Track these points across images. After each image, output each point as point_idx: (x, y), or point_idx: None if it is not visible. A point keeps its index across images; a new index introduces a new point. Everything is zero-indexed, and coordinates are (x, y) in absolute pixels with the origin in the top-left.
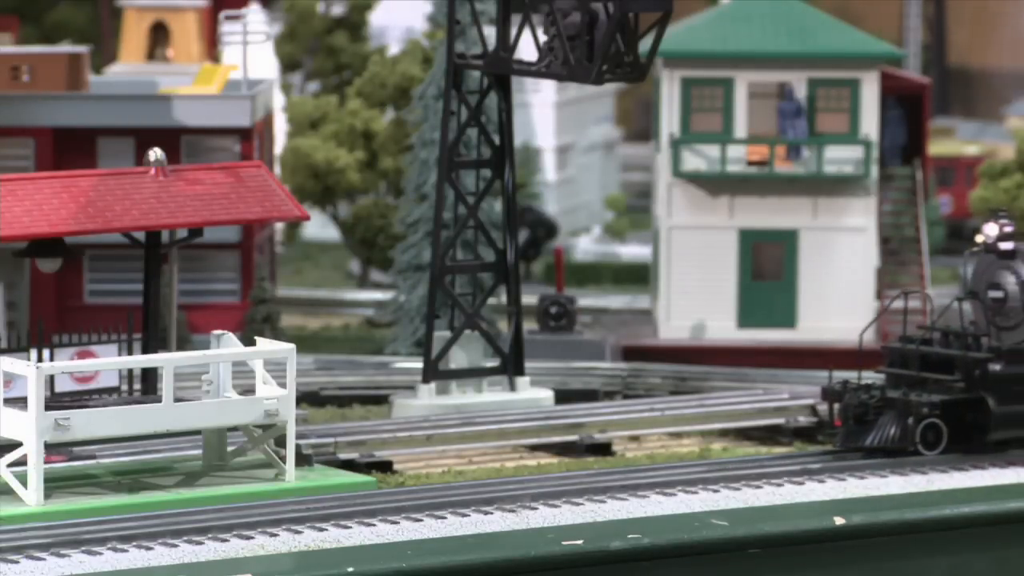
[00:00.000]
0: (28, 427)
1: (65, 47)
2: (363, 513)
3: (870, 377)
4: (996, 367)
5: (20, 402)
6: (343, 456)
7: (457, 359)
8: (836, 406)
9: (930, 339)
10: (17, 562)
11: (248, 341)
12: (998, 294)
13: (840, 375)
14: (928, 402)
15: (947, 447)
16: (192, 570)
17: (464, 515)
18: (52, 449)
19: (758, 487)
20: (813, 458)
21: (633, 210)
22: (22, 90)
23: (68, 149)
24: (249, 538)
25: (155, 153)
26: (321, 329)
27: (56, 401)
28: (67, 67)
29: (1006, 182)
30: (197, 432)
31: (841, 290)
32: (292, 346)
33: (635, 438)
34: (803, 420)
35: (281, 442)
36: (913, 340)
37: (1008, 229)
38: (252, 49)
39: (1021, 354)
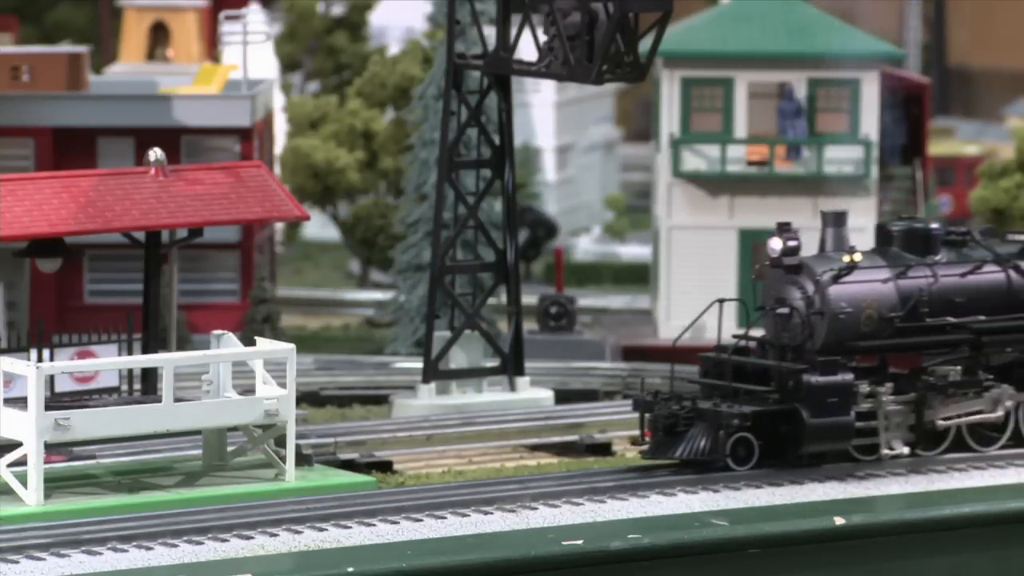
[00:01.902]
0: (28, 427)
1: (65, 47)
2: (363, 513)
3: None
4: (811, 378)
5: (20, 402)
6: (343, 456)
7: (457, 359)
8: (647, 417)
9: (747, 349)
10: (17, 562)
11: (248, 341)
12: (784, 310)
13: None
14: (738, 413)
15: (761, 461)
16: (192, 570)
17: (464, 515)
18: (52, 449)
19: (758, 487)
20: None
21: (633, 210)
22: (22, 90)
23: (68, 149)
24: (249, 538)
25: (155, 153)
26: (321, 329)
27: (56, 401)
28: (67, 67)
29: (1006, 182)
30: (197, 432)
31: None
32: (292, 346)
33: (635, 440)
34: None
35: (281, 442)
36: (727, 350)
37: (793, 244)
38: (252, 49)
39: (837, 365)
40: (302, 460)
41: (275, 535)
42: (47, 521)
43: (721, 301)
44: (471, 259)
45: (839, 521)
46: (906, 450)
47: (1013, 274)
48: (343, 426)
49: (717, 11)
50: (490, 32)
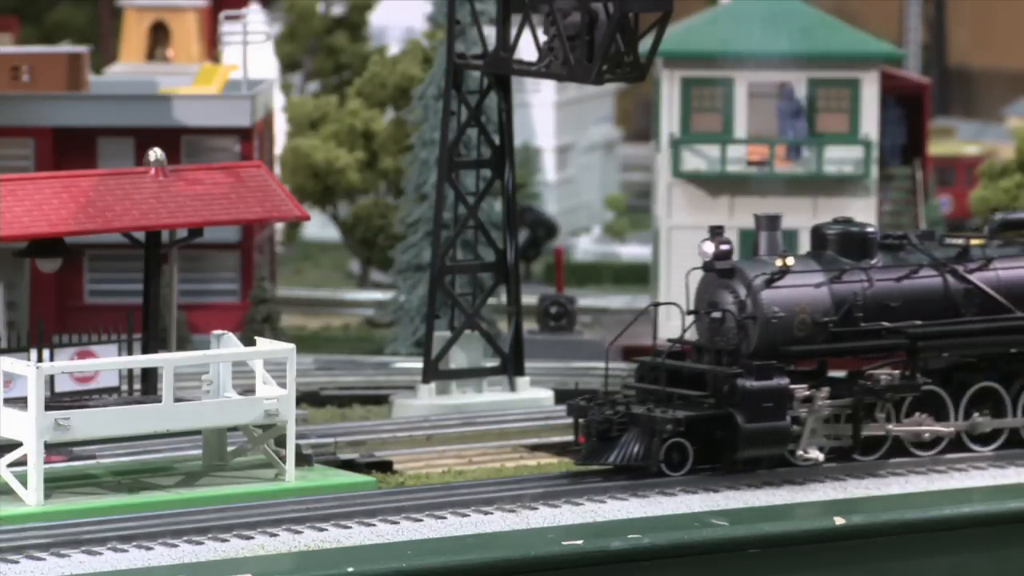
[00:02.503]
0: (28, 427)
1: (65, 47)
2: (363, 513)
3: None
4: (746, 383)
5: (20, 402)
6: (343, 456)
7: (457, 359)
8: (581, 422)
9: (682, 353)
10: (17, 562)
11: (248, 341)
12: (717, 314)
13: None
14: (672, 419)
15: (696, 466)
16: (192, 570)
17: (464, 515)
18: (52, 449)
19: (757, 487)
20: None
21: (633, 210)
22: (22, 90)
23: (68, 149)
24: (249, 538)
25: (155, 153)
26: (321, 329)
27: (56, 401)
28: (67, 67)
29: (1006, 182)
30: (197, 432)
31: None
32: (292, 346)
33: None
34: None
35: (281, 442)
36: (662, 354)
37: (725, 247)
38: (252, 49)
39: (772, 369)
40: (302, 460)
41: (275, 535)
42: (47, 521)
43: (656, 305)
44: (471, 259)
45: (839, 521)
46: (821, 456)
47: (950, 278)
48: (343, 426)
49: (717, 11)
50: (490, 32)
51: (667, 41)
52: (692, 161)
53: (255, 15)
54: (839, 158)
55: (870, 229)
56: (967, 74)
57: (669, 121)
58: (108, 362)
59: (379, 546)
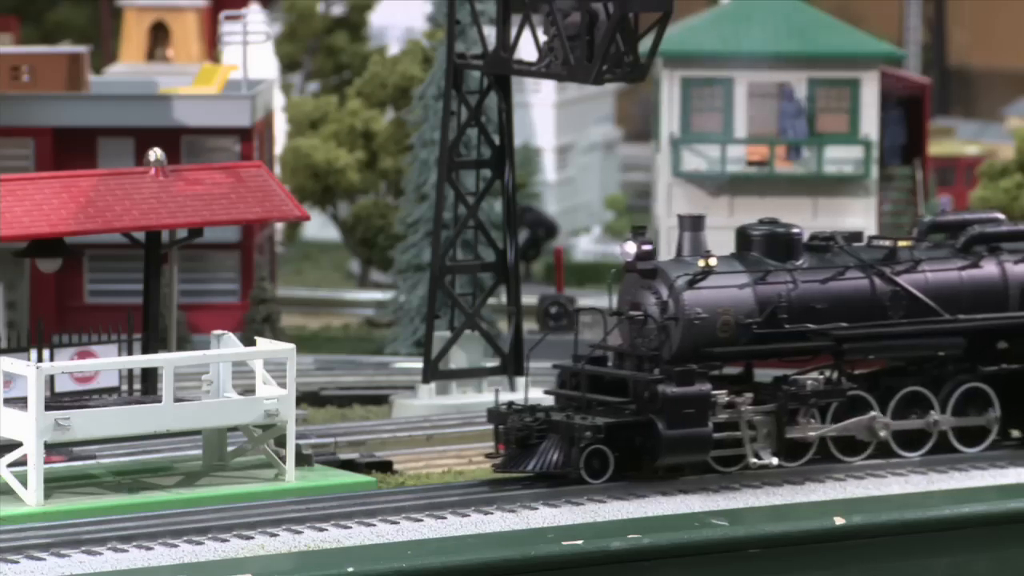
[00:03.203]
0: (28, 427)
1: (65, 47)
2: (363, 513)
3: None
4: (667, 389)
5: (20, 402)
6: (343, 456)
7: (457, 359)
8: (501, 429)
9: (604, 358)
10: (17, 562)
11: (248, 341)
12: (638, 314)
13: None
14: (591, 426)
15: (617, 473)
16: (192, 570)
17: (464, 515)
18: (52, 449)
19: (757, 487)
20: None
21: (633, 210)
22: (22, 90)
23: (68, 149)
24: (249, 538)
25: (155, 153)
26: (321, 329)
27: (56, 401)
28: (67, 67)
29: (1006, 182)
30: (197, 432)
31: None
32: (292, 346)
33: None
34: None
35: (281, 442)
36: (584, 359)
37: (647, 248)
38: (252, 49)
39: (694, 375)
40: (302, 460)
41: (275, 535)
42: (47, 521)
43: (579, 311)
44: (471, 259)
45: (839, 521)
46: (775, 460)
47: (877, 280)
48: (343, 426)
49: (717, 11)
50: (490, 32)
51: (667, 41)
52: (692, 161)
53: (255, 15)
54: (839, 158)
55: (795, 230)
56: (967, 74)
57: (669, 121)
58: (108, 362)
59: (379, 546)
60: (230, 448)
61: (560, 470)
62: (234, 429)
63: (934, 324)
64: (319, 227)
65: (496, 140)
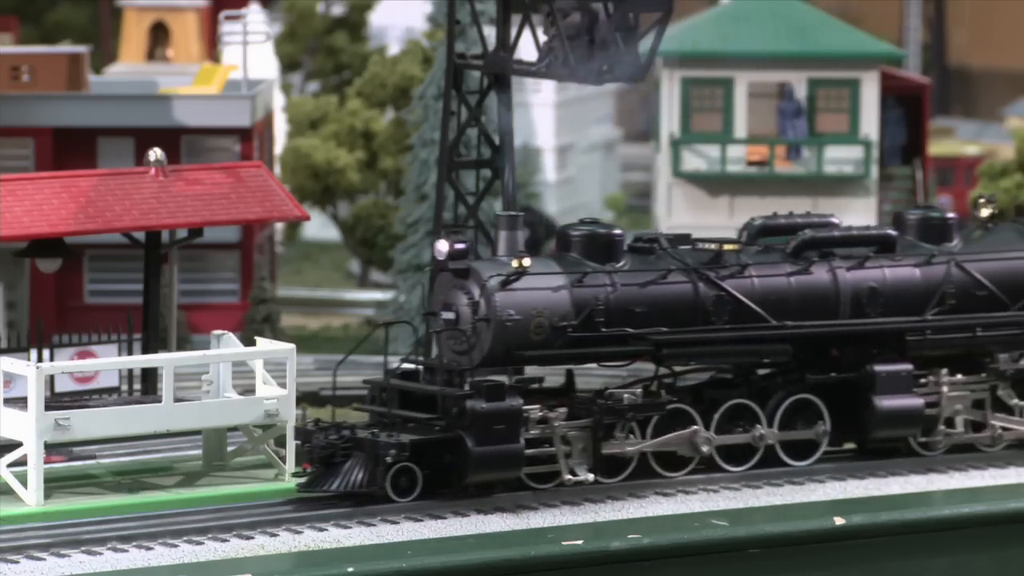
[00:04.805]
0: (28, 427)
1: (65, 47)
2: (363, 513)
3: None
4: (476, 404)
5: (20, 402)
6: None
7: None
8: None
9: (416, 373)
10: (17, 562)
11: (248, 341)
12: (450, 315)
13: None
14: (396, 444)
15: (426, 492)
16: (192, 570)
17: (464, 515)
18: (52, 449)
19: (757, 487)
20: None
21: (633, 210)
22: (22, 90)
23: (68, 149)
24: (249, 538)
25: (155, 153)
26: (321, 329)
27: (56, 401)
28: (67, 67)
29: (1006, 182)
30: (197, 432)
31: None
32: (292, 346)
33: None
34: None
35: (281, 442)
36: (393, 374)
37: (460, 247)
38: (252, 49)
39: (504, 390)
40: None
41: (275, 535)
42: (47, 521)
43: (387, 324)
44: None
45: (839, 521)
46: (591, 476)
47: (701, 285)
48: None
49: (717, 11)
50: (490, 32)
51: (667, 41)
52: (692, 161)
53: (255, 15)
54: (839, 158)
55: (617, 231)
56: (967, 74)
57: (669, 121)
58: (108, 362)
59: (379, 546)
60: (230, 448)
61: (364, 490)
62: (234, 429)
63: (759, 330)
64: (319, 227)
65: (496, 140)
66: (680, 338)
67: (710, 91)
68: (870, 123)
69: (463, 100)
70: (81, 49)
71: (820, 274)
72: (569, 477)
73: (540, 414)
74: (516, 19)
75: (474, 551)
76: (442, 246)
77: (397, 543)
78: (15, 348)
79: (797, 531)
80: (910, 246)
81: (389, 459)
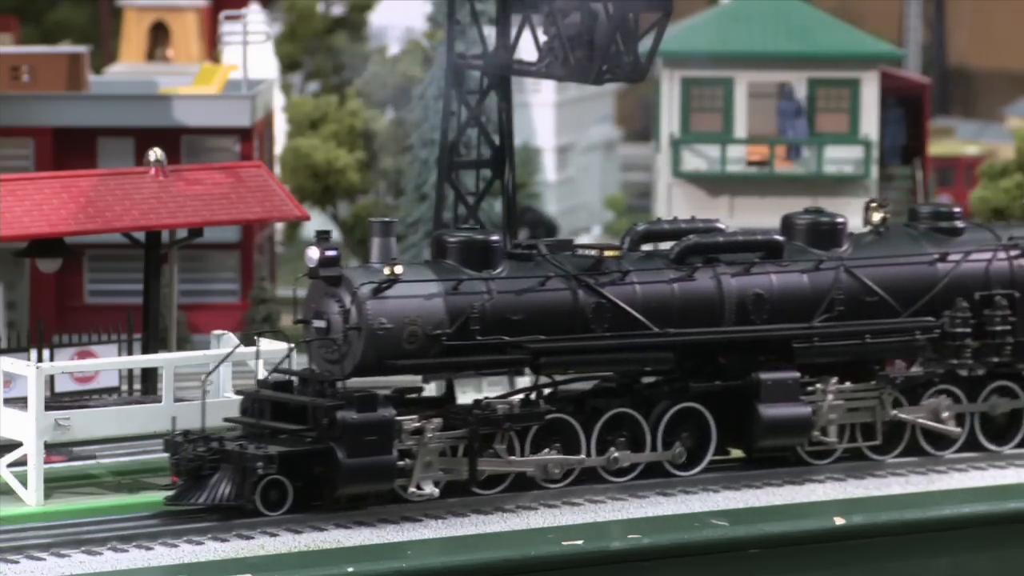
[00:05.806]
0: (28, 427)
1: (65, 47)
2: (363, 513)
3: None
4: (347, 415)
5: (20, 402)
6: None
7: None
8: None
9: (289, 383)
10: (17, 562)
11: (248, 341)
12: (321, 324)
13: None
14: (264, 456)
15: (298, 505)
16: (192, 570)
17: (464, 515)
18: (52, 449)
19: (758, 487)
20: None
21: (633, 210)
22: (22, 90)
23: (68, 149)
24: (249, 538)
25: (155, 153)
26: None
27: (56, 401)
28: (67, 67)
29: (1006, 182)
30: None
31: None
32: (292, 346)
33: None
34: None
35: None
36: (267, 385)
37: (331, 254)
38: (252, 49)
39: (377, 401)
40: None
41: (275, 535)
42: (47, 521)
43: (258, 334)
44: None
45: (839, 521)
46: (436, 492)
47: (580, 292)
48: None
49: (717, 11)
50: (490, 32)
51: (667, 41)
52: (692, 161)
53: (255, 15)
54: (839, 158)
55: (494, 237)
56: (967, 74)
57: (669, 121)
58: (108, 362)
59: (379, 546)
60: None
61: (232, 503)
62: None
63: (640, 338)
64: (319, 227)
65: (496, 140)
66: (558, 346)
67: (710, 91)
68: (870, 123)
69: (463, 100)
70: (81, 49)
71: (704, 280)
72: (413, 491)
73: (416, 425)
74: (516, 19)
75: (474, 551)
76: (313, 253)
77: (397, 543)
78: (15, 348)
79: (797, 531)
80: (798, 251)
81: (258, 471)
